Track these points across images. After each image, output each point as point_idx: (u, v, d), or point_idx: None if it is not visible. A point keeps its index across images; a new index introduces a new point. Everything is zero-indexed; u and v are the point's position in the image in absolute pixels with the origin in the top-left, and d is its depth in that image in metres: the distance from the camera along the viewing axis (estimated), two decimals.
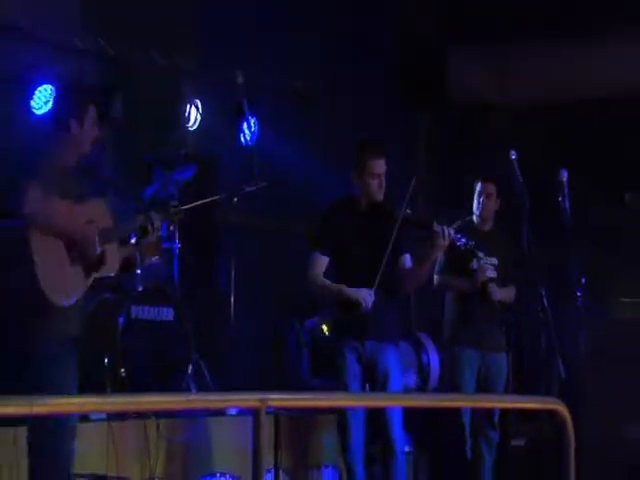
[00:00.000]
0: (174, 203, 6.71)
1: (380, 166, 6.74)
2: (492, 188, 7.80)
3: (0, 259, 5.80)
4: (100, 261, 5.79)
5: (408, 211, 6.76)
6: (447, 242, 6.63)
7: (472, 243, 6.95)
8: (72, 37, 8.75)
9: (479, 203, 7.83)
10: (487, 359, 7.72)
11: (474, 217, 7.85)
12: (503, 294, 7.73)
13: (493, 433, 7.74)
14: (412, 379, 8.60)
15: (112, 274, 5.93)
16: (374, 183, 6.73)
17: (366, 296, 6.59)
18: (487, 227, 7.88)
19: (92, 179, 6.05)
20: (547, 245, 7.64)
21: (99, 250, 5.77)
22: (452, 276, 7.71)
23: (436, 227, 6.58)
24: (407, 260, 6.84)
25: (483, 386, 7.68)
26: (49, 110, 8.04)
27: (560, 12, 9.98)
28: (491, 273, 7.64)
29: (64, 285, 5.64)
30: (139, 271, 7.38)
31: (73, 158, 5.85)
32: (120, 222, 6.07)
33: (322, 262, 6.78)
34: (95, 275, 5.78)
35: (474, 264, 7.49)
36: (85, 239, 5.70)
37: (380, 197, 6.77)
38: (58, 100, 6.14)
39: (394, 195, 6.86)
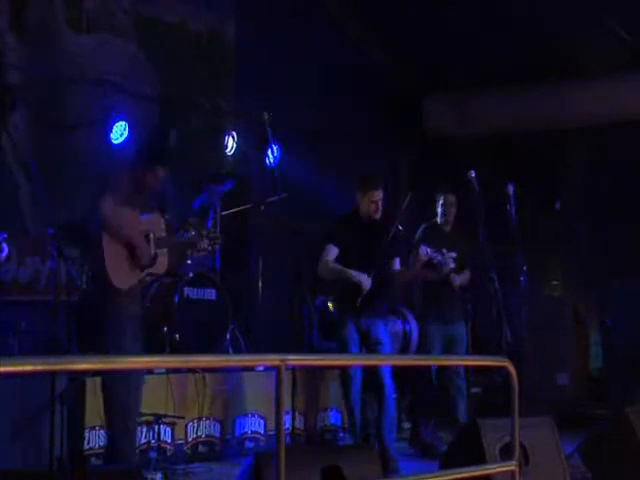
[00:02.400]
0: (214, 231, 6.66)
1: (377, 195, 6.69)
2: (452, 199, 7.67)
3: (83, 255, 5.85)
4: (153, 261, 5.79)
5: (400, 227, 6.75)
6: (426, 258, 6.62)
7: (444, 260, 6.93)
8: (142, 86, 8.77)
9: (443, 211, 7.66)
10: (449, 328, 7.62)
11: (437, 220, 7.68)
12: (461, 279, 7.65)
13: (461, 382, 7.64)
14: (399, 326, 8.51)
15: (161, 272, 5.94)
16: (372, 207, 6.69)
17: (365, 280, 6.57)
18: (448, 229, 7.70)
19: (154, 199, 6.06)
20: (498, 241, 7.60)
21: (153, 253, 5.77)
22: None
23: (419, 247, 6.58)
24: (397, 263, 6.80)
25: (448, 348, 7.63)
26: (123, 140, 8.06)
27: (506, 67, 9.98)
28: (451, 264, 7.54)
29: (124, 275, 5.64)
30: (190, 261, 7.38)
31: (140, 187, 5.85)
32: (172, 234, 6.09)
33: (333, 252, 6.70)
34: (147, 271, 5.78)
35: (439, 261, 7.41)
36: (142, 243, 5.70)
37: (377, 216, 6.72)
38: (135, 157, 6.09)
39: (386, 205, 6.85)
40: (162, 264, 5.86)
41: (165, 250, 5.89)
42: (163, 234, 5.89)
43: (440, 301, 7.58)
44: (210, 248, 6.45)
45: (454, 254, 7.55)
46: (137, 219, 5.73)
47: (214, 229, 6.82)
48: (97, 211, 5.56)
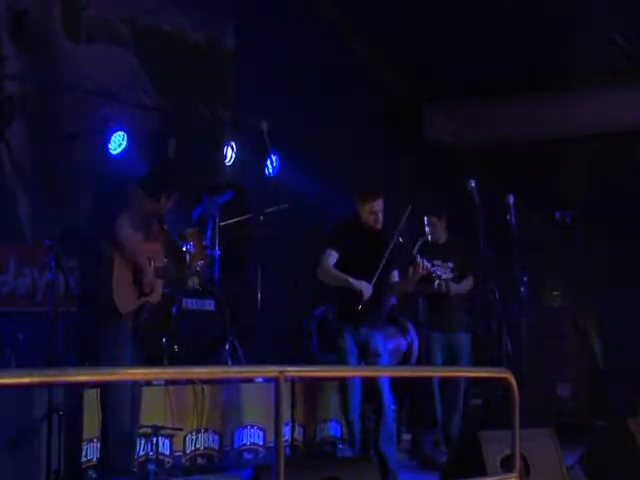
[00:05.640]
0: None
1: (377, 205, 6.65)
2: (436, 221, 7.70)
3: (81, 266, 5.86)
4: (151, 290, 5.79)
5: (400, 239, 6.74)
6: (425, 272, 6.62)
7: (443, 273, 7.09)
8: (140, 96, 8.79)
9: (429, 230, 7.71)
10: (451, 338, 7.61)
11: (428, 237, 7.73)
12: (460, 288, 7.63)
13: (458, 397, 7.57)
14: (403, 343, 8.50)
15: (155, 301, 5.93)
16: (372, 218, 6.65)
17: (366, 287, 6.53)
18: (442, 240, 7.72)
19: (155, 225, 6.06)
20: (498, 251, 7.60)
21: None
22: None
23: (418, 259, 6.58)
24: (395, 275, 6.76)
25: (450, 359, 7.60)
26: (122, 150, 8.07)
27: (506, 77, 10.01)
28: (449, 274, 7.60)
29: (125, 298, 5.64)
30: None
31: (150, 212, 5.85)
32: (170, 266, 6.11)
33: (333, 256, 6.64)
34: (143, 299, 5.78)
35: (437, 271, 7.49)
36: (148, 272, 5.69)
37: (378, 227, 6.68)
38: (157, 174, 6.12)
39: (386, 215, 6.86)
40: (157, 294, 5.87)
41: (160, 281, 5.90)
42: (162, 264, 5.89)
43: (441, 311, 7.61)
44: (198, 287, 6.50)
45: (451, 264, 7.60)
46: (142, 244, 5.74)
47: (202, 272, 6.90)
48: (112, 230, 5.55)
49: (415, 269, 6.58)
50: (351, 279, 6.55)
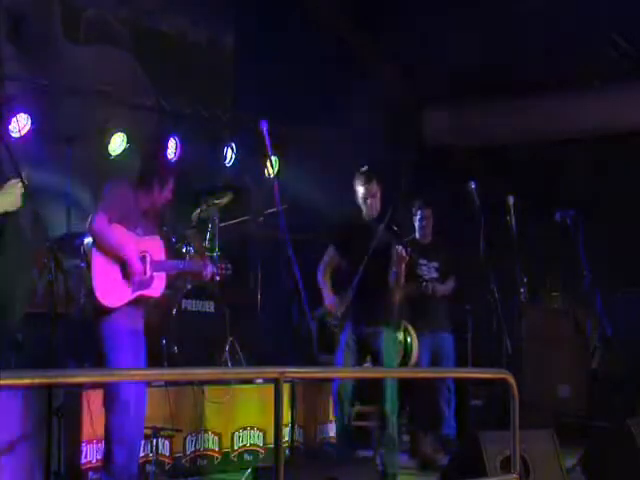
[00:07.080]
0: (226, 263, 6.68)
1: (369, 189, 6.62)
2: (428, 213, 7.75)
3: (74, 268, 5.86)
4: (148, 282, 5.78)
5: (395, 228, 6.71)
6: (407, 258, 6.54)
7: (428, 273, 7.48)
8: (140, 97, 8.80)
9: (420, 225, 7.76)
10: (436, 339, 7.69)
11: (416, 235, 7.80)
12: (445, 288, 7.73)
13: (451, 395, 7.67)
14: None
15: (156, 296, 5.86)
16: (366, 204, 6.64)
17: (330, 304, 6.66)
18: (427, 241, 7.80)
19: (154, 221, 6.04)
20: (498, 252, 7.61)
21: (149, 275, 5.75)
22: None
23: (397, 246, 6.56)
24: (399, 249, 6.49)
25: (435, 360, 7.63)
26: (122, 152, 8.08)
27: (506, 79, 10.02)
28: (434, 274, 7.68)
29: (113, 293, 5.60)
30: (189, 286, 7.36)
31: (144, 205, 5.85)
32: (173, 259, 6.08)
33: (334, 253, 6.80)
34: (140, 292, 5.72)
35: (422, 271, 7.53)
36: (133, 260, 5.66)
37: (374, 214, 6.65)
38: (148, 165, 6.06)
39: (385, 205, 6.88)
40: (158, 288, 5.82)
41: (163, 275, 5.86)
42: (161, 257, 5.86)
43: (427, 312, 7.65)
44: (217, 278, 6.46)
45: (435, 264, 7.67)
46: (132, 237, 5.69)
47: (223, 260, 6.85)
48: (89, 225, 5.55)
49: (397, 256, 6.50)
50: (325, 293, 6.71)
